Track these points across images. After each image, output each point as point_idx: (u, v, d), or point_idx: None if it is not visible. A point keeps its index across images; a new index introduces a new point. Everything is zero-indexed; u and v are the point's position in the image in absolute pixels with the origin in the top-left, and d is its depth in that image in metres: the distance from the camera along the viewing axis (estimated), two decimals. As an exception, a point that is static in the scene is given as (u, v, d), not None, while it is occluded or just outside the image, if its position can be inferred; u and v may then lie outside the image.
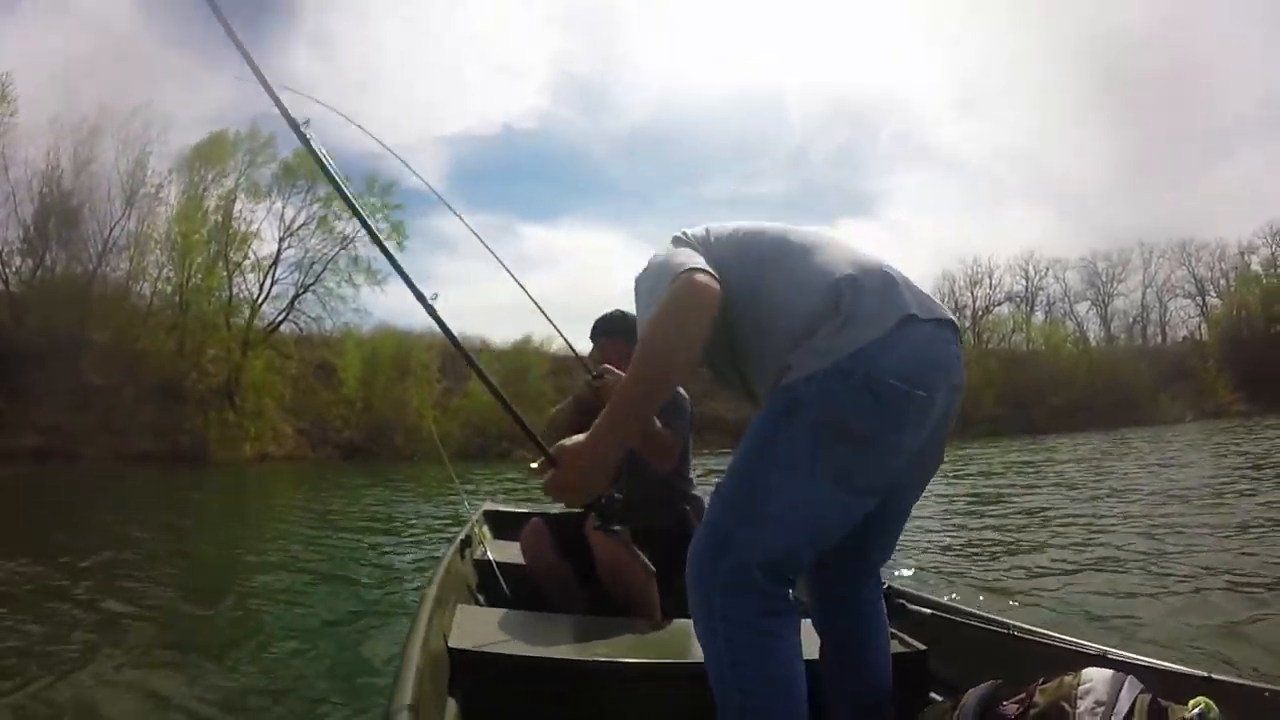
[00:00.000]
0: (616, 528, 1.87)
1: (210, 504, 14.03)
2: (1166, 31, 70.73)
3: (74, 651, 3.61)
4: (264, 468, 28.05)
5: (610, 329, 3.05)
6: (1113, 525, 7.08)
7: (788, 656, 1.43)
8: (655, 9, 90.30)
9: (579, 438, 1.51)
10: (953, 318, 1.53)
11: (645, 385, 1.47)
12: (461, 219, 3.79)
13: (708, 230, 1.70)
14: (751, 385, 1.62)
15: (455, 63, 75.56)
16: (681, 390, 2.92)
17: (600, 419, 1.48)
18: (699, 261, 1.51)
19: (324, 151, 1.76)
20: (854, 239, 1.66)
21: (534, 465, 1.59)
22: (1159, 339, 55.59)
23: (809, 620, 1.80)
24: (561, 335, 3.72)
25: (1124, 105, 71.28)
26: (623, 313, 3.08)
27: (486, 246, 3.63)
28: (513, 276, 3.59)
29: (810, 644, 1.63)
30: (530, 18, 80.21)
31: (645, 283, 1.61)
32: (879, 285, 1.47)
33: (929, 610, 2.25)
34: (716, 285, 1.46)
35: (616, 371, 2.80)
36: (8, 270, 30.01)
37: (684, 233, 1.71)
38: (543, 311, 3.58)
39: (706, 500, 3.00)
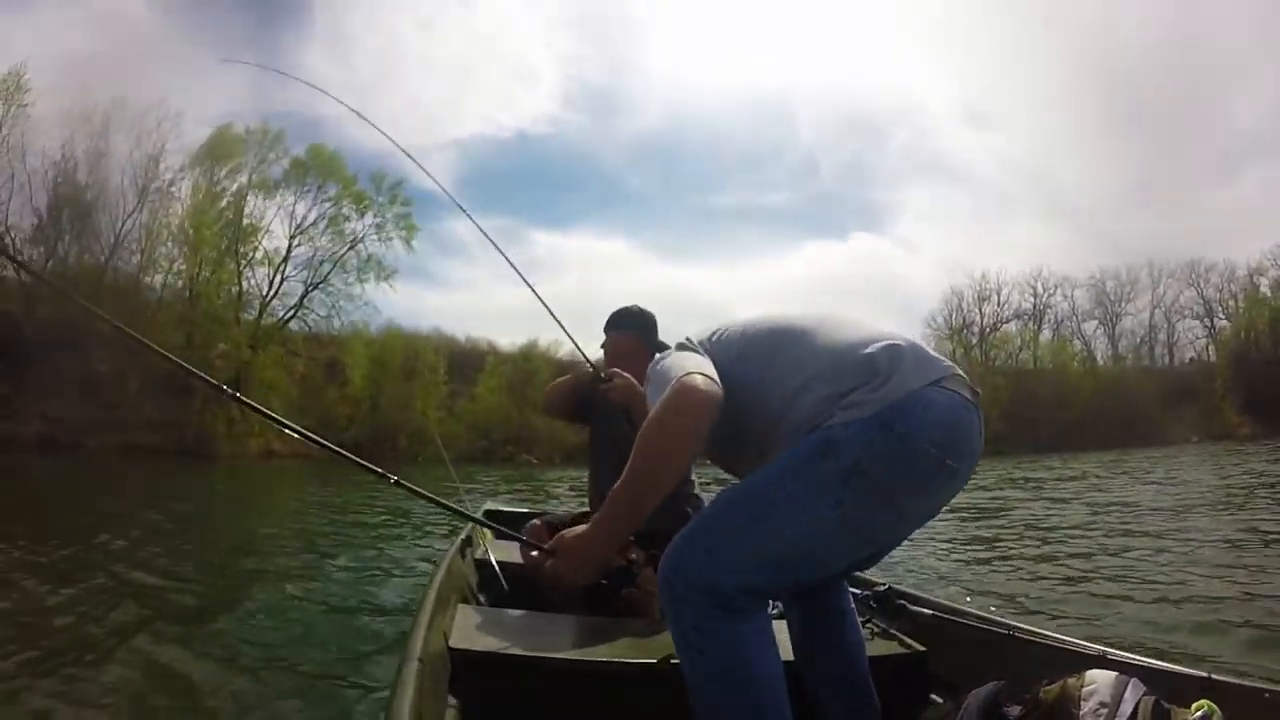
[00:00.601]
0: (622, 593, 1.92)
1: (213, 499, 14.03)
2: (1177, 49, 70.40)
3: (67, 643, 3.60)
4: (269, 464, 28.09)
5: (618, 323, 3.05)
6: (1111, 539, 7.07)
7: (758, 645, 1.45)
8: (665, 15, 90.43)
9: (580, 529, 1.60)
10: (977, 390, 1.57)
11: (640, 488, 1.51)
12: (474, 221, 3.77)
13: (714, 332, 1.75)
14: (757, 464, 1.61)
15: (467, 66, 75.64)
16: None
17: (598, 516, 1.56)
18: (699, 364, 1.54)
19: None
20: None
21: (534, 553, 1.67)
22: (1166, 360, 55.35)
23: (783, 623, 1.85)
24: (570, 337, 3.68)
25: (1134, 122, 71.20)
26: (640, 308, 3.08)
27: (498, 248, 3.61)
28: (523, 278, 3.55)
29: (784, 647, 1.65)
30: (541, 22, 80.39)
31: (653, 391, 1.62)
32: (915, 350, 1.52)
33: (929, 611, 2.25)
34: (714, 387, 1.48)
35: (625, 375, 2.81)
36: (20, 259, 30.14)
37: (689, 338, 1.75)
38: (552, 314, 3.55)
39: (708, 501, 3.03)
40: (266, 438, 31.21)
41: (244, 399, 1.85)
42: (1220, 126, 69.24)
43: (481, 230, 3.68)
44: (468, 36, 75.92)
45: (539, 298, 3.50)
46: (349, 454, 1.86)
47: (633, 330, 3.02)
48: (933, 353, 1.54)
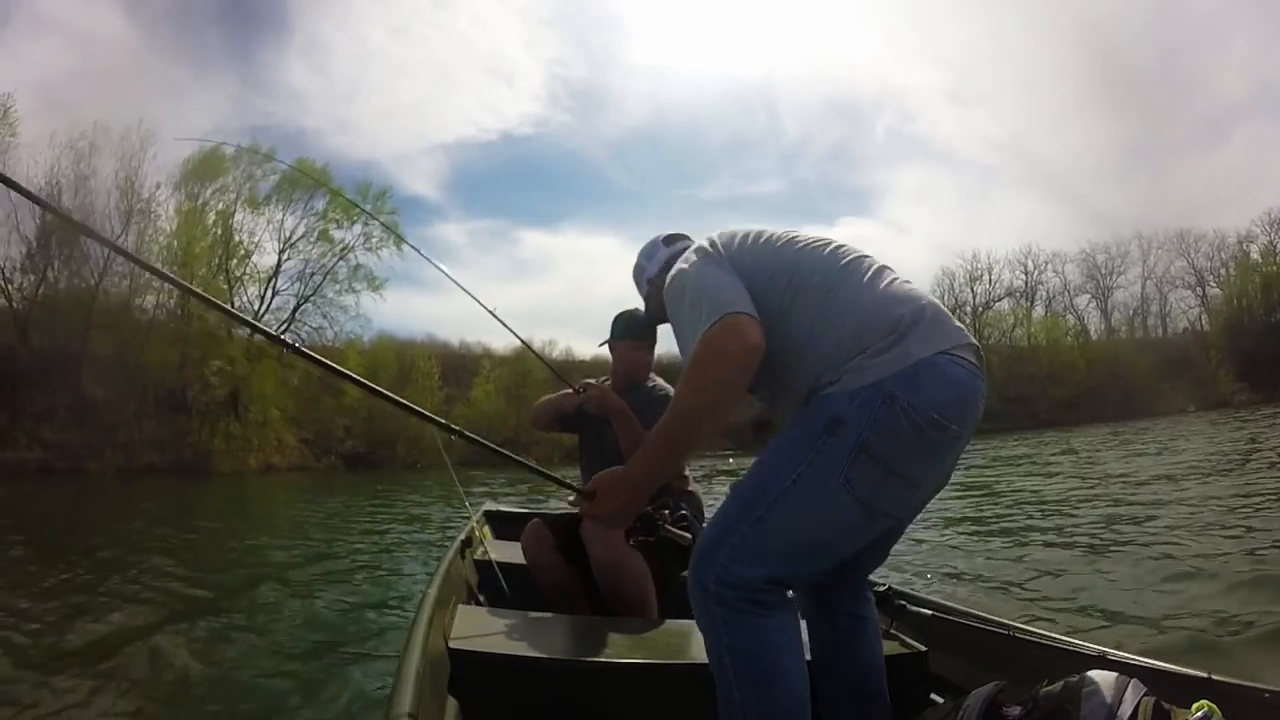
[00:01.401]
0: (652, 538, 1.93)
1: (215, 514, 14.00)
2: (1159, 18, 70.35)
3: (74, 650, 3.68)
4: (269, 478, 28.10)
5: (634, 331, 3.08)
6: (1110, 516, 7.10)
7: (785, 642, 1.46)
8: (645, 10, 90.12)
9: (617, 471, 1.61)
10: (982, 354, 1.57)
11: (680, 433, 1.51)
12: (409, 242, 3.88)
13: (743, 237, 1.68)
14: (776, 400, 1.62)
15: (447, 69, 74.84)
16: (671, 390, 2.98)
17: (636, 458, 1.56)
18: (742, 300, 1.49)
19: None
20: (860, 243, 1.68)
21: (570, 499, 1.69)
22: (1160, 331, 55.26)
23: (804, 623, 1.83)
24: (534, 351, 3.74)
25: (1118, 95, 70.83)
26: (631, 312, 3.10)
27: (434, 263, 3.70)
28: (473, 297, 3.63)
29: (806, 646, 1.65)
30: (520, 21, 79.96)
31: (678, 304, 1.59)
32: (935, 315, 1.52)
33: (929, 611, 2.25)
34: (759, 336, 1.45)
35: (595, 384, 2.92)
36: (10, 287, 30.06)
37: (713, 241, 1.69)
38: (508, 327, 3.60)
39: (701, 496, 3.05)
40: (265, 452, 31.17)
41: (304, 350, 1.98)
42: (1205, 93, 69.05)
43: (434, 263, 3.75)
44: (446, 39, 75.39)
45: (498, 318, 3.55)
46: (412, 405, 2.05)
47: (647, 338, 3.08)
48: (948, 318, 1.54)
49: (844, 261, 1.60)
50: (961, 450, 1.54)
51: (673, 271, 1.68)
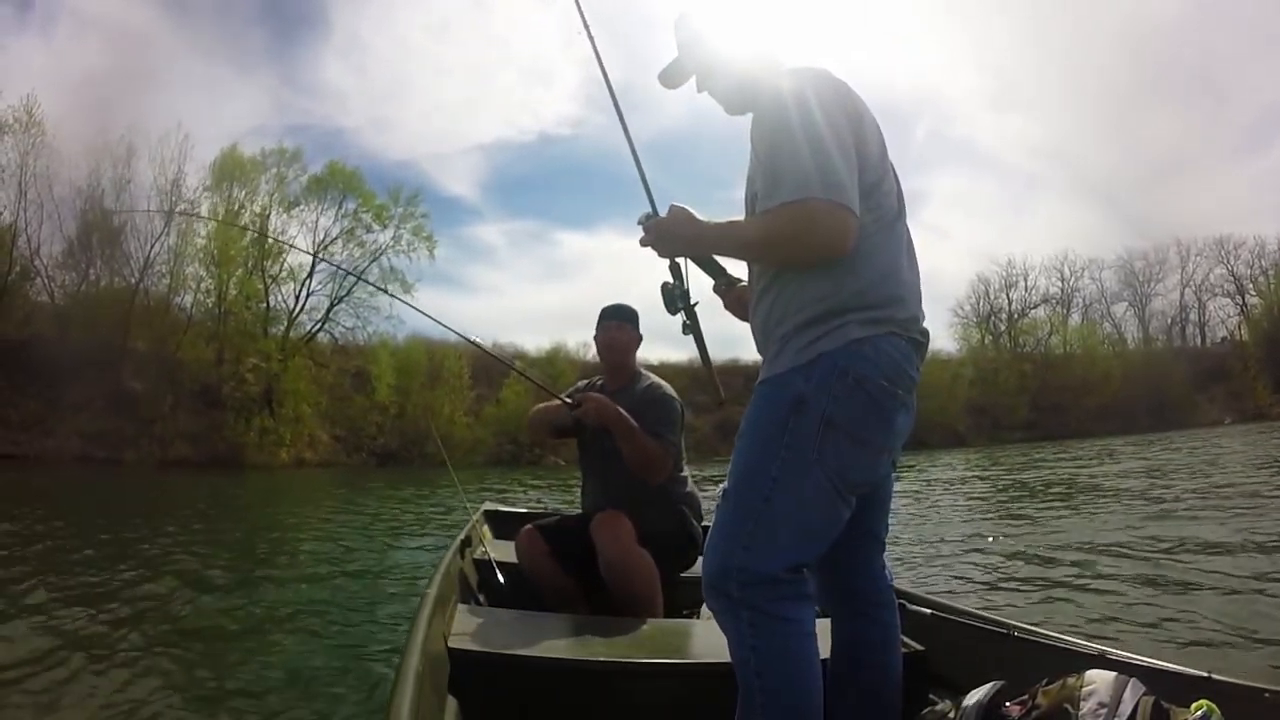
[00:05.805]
0: (680, 314, 1.96)
1: (241, 506, 14.19)
2: (1199, 23, 69.12)
3: (76, 644, 3.68)
4: (300, 473, 28.42)
5: (627, 316, 3.18)
6: (1134, 527, 7.00)
7: (806, 645, 1.48)
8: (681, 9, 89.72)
9: (690, 211, 1.69)
10: (927, 330, 1.62)
11: (743, 250, 1.65)
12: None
13: (876, 133, 1.62)
14: (770, 288, 1.62)
15: (485, 69, 74.47)
16: (674, 394, 3.03)
17: (710, 221, 1.66)
18: (856, 199, 1.45)
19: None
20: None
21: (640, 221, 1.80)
22: (1198, 340, 53.82)
23: (824, 620, 1.85)
24: (532, 379, 3.77)
25: (1158, 99, 69.76)
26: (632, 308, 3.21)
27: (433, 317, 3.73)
28: (463, 336, 3.82)
29: (822, 645, 1.66)
30: (558, 22, 79.92)
31: (772, 116, 1.54)
32: (918, 289, 1.61)
33: (929, 610, 2.24)
34: (852, 244, 1.45)
35: (593, 396, 2.92)
36: (53, 285, 30.76)
37: (859, 112, 1.58)
38: (494, 354, 3.68)
39: (702, 496, 3.06)
40: (298, 447, 31.52)
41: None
42: (1247, 99, 67.73)
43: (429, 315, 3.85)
44: (484, 39, 75.28)
45: (493, 352, 3.60)
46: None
47: (635, 326, 3.17)
48: (910, 304, 1.58)
49: (901, 220, 1.64)
50: (913, 409, 1.59)
51: (818, 74, 1.60)
